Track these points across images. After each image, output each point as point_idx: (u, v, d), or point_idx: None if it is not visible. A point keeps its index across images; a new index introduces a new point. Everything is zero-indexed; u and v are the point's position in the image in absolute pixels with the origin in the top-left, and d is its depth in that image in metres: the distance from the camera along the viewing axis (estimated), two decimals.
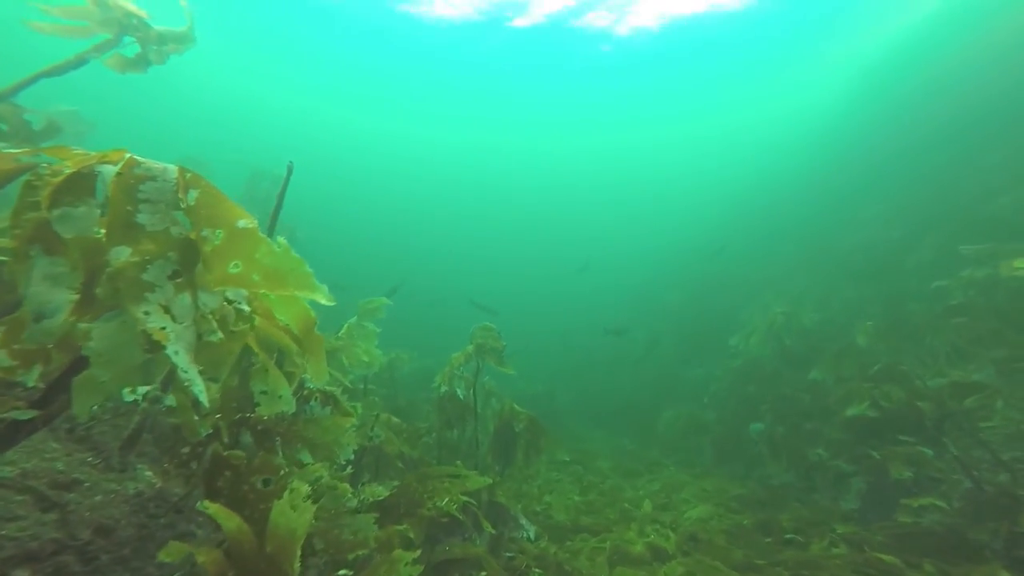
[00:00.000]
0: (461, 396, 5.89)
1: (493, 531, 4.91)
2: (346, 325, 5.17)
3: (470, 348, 6.08)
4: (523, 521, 5.61)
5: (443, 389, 5.92)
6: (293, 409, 2.10)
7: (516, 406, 6.37)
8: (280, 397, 2.01)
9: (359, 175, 56.02)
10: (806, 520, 5.93)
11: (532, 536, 5.39)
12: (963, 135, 13.36)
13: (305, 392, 2.75)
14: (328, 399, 2.75)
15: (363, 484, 3.63)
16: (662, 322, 20.45)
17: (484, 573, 3.73)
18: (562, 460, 10.75)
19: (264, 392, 2.00)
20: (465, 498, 3.66)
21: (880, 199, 14.64)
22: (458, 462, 5.69)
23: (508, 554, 4.50)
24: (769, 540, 5.42)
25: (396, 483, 3.70)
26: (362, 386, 5.95)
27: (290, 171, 2.76)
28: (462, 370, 6.09)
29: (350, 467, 3.74)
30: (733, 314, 15.01)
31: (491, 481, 5.21)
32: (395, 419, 5.04)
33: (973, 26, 15.97)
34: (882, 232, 13.27)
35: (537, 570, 4.25)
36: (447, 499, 3.16)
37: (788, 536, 5.41)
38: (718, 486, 8.20)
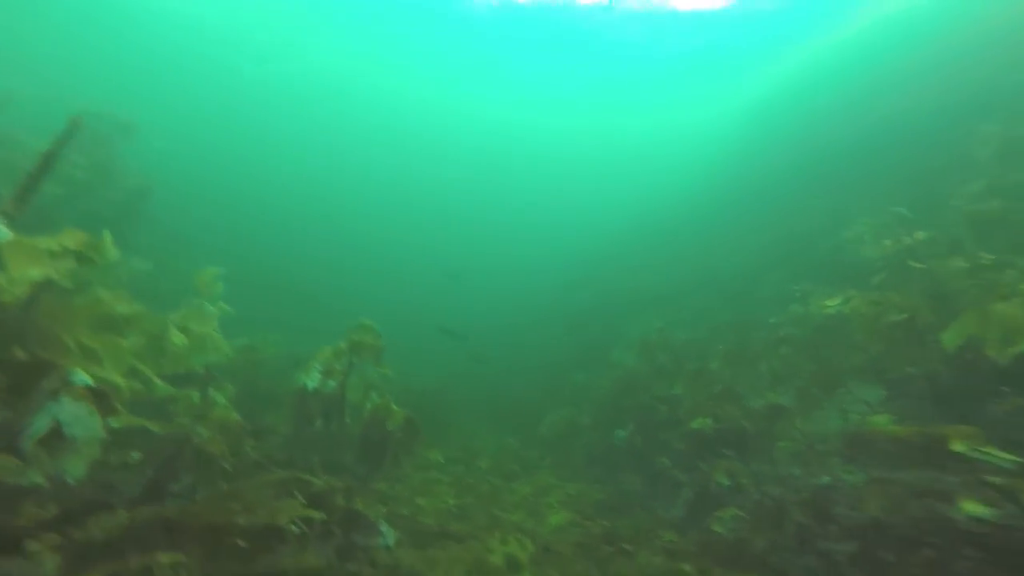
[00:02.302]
0: (326, 390, 5.60)
1: (342, 539, 4.86)
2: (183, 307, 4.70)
3: (342, 345, 5.80)
4: (383, 528, 5.51)
5: (307, 383, 5.61)
6: None
7: (393, 404, 6.08)
8: None
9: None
10: (641, 528, 6.44)
11: (391, 544, 5.38)
12: (802, 176, 15.73)
13: (59, 388, 2.41)
14: (92, 396, 2.47)
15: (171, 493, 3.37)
16: (559, 326, 21.47)
17: None
18: (443, 458, 10.91)
19: None
20: (309, 511, 3.57)
21: (750, 230, 16.67)
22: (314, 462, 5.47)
23: (352, 566, 4.47)
24: (611, 549, 5.76)
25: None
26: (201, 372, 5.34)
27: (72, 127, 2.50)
28: (334, 365, 5.82)
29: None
30: (623, 324, 16.22)
31: (343, 485, 5.12)
32: (233, 415, 4.60)
33: (827, 83, 18.80)
34: (747, 264, 15.16)
35: None
36: (266, 512, 3.01)
37: (623, 546, 5.81)
38: (582, 491, 8.63)
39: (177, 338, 4.22)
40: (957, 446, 3.41)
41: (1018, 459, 3.46)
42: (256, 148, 48.03)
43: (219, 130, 45.17)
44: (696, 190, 23.54)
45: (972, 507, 3.41)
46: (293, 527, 3.93)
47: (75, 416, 2.42)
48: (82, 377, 2.59)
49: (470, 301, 36.93)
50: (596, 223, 30.64)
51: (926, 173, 11.71)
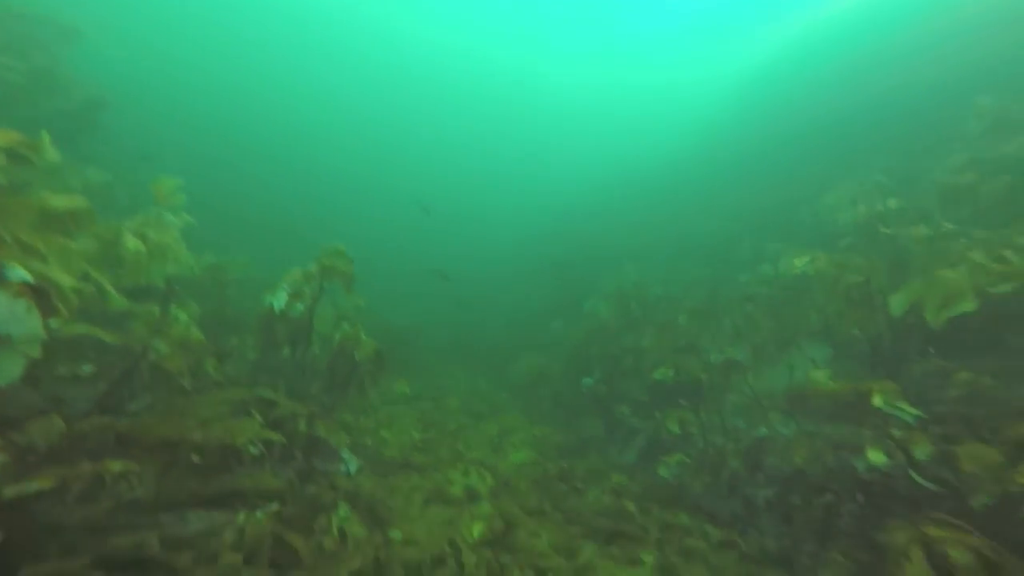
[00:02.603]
0: (293, 314, 5.50)
1: (302, 463, 5.04)
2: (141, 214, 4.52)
3: (312, 268, 5.62)
4: (345, 455, 5.71)
5: (274, 304, 5.46)
6: None
7: (363, 335, 6.08)
8: None
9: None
10: (595, 470, 6.80)
11: (352, 471, 5.59)
12: (796, 145, 15.69)
13: None
14: (31, 293, 2.29)
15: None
16: (539, 273, 21.63)
17: (276, 504, 3.86)
18: (412, 395, 11.22)
19: None
20: (268, 432, 3.65)
21: (734, 194, 16.69)
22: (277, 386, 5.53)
23: (312, 488, 4.67)
24: (564, 487, 6.11)
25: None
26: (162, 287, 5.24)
27: None
28: (302, 288, 5.68)
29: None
30: (601, 277, 16.40)
31: (307, 411, 5.22)
32: (194, 330, 4.52)
33: (828, 53, 18.31)
34: (726, 226, 15.28)
35: (343, 504, 4.47)
36: (223, 433, 3.07)
37: (577, 484, 6.17)
38: (545, 434, 8.99)
39: (132, 244, 4.07)
40: (876, 400, 3.64)
41: (921, 414, 3.74)
42: (229, 69, 45.00)
43: (188, 45, 41.97)
44: (685, 151, 23.29)
45: (874, 455, 3.71)
46: (252, 448, 4.03)
47: (11, 313, 2.26)
48: (19, 273, 2.41)
49: (452, 247, 36.73)
50: (583, 177, 30.20)
51: (916, 147, 11.69)
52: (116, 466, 2.57)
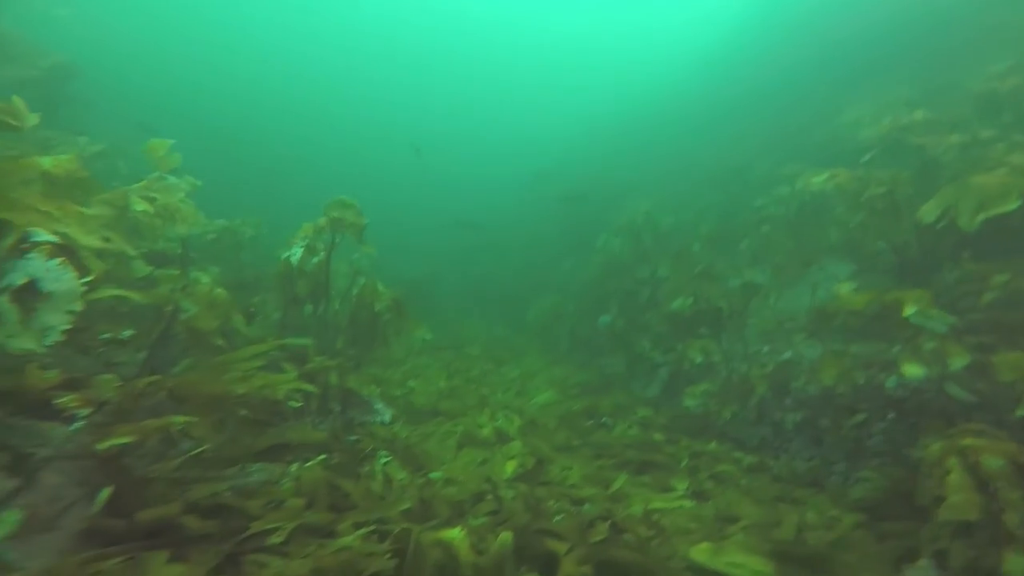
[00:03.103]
0: (309, 268, 5.45)
1: (339, 415, 5.20)
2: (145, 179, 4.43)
3: (322, 221, 5.52)
4: (378, 405, 5.89)
5: (290, 259, 5.45)
6: None
7: (380, 285, 6.10)
8: None
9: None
10: (620, 405, 6.91)
11: (387, 420, 5.79)
12: (810, 66, 14.76)
13: (26, 244, 2.34)
14: (61, 252, 2.37)
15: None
16: (546, 214, 21.30)
17: (323, 455, 4.04)
18: (435, 346, 11.43)
19: None
20: (303, 384, 3.71)
21: (744, 119, 15.98)
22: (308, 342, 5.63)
23: (354, 437, 4.86)
24: (590, 423, 6.25)
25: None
26: (180, 251, 5.26)
27: None
28: (315, 242, 5.64)
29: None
30: (610, 212, 16.12)
31: (336, 363, 5.33)
32: (219, 290, 4.48)
33: None
34: (738, 149, 14.72)
35: (384, 452, 4.65)
36: (263, 385, 3.14)
37: (603, 420, 6.30)
38: (566, 373, 9.20)
39: (140, 205, 4.01)
40: (907, 310, 3.56)
41: (954, 322, 3.67)
42: (200, 23, 42.39)
43: None
44: (689, 82, 22.00)
45: (910, 369, 3.69)
46: (292, 402, 4.12)
47: (47, 271, 2.33)
48: (44, 236, 2.46)
49: (455, 193, 36.04)
50: (583, 116, 28.83)
51: (944, 59, 10.84)
52: (180, 420, 2.65)
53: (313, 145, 39.52)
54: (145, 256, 4.26)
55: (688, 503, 4.02)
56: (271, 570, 2.25)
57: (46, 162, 3.35)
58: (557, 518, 3.56)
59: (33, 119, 3.56)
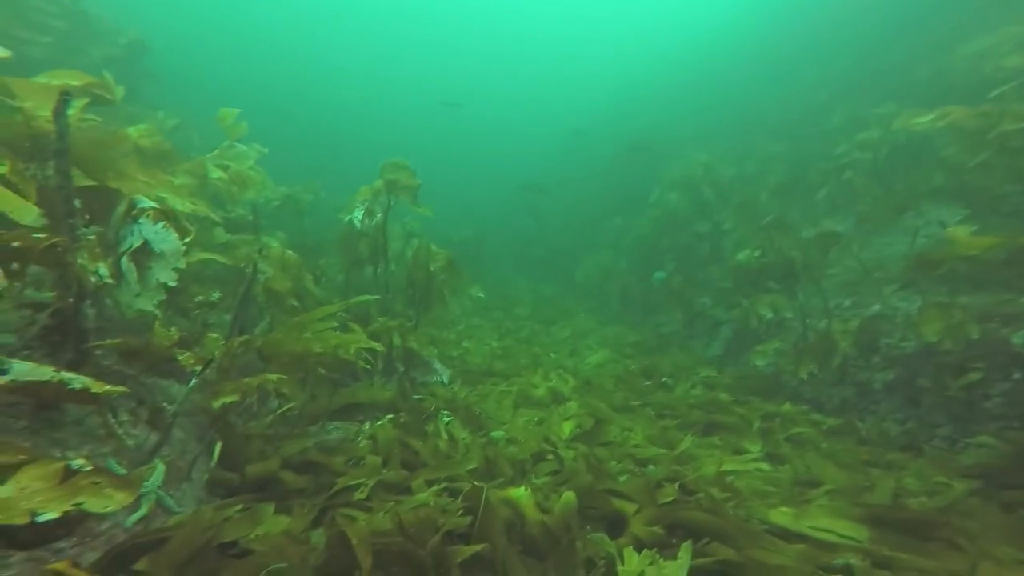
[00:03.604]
0: (367, 230, 5.50)
1: (403, 375, 5.28)
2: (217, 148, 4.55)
3: (378, 183, 5.50)
4: (437, 366, 5.98)
5: (353, 221, 5.51)
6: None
7: (433, 246, 6.02)
8: None
9: None
10: (680, 365, 6.63)
11: (445, 380, 5.83)
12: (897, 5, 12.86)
13: (135, 211, 2.52)
14: (164, 216, 2.59)
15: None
16: (590, 172, 20.53)
17: (391, 415, 4.12)
18: (484, 307, 11.45)
19: None
20: (372, 343, 3.75)
21: (814, 64, 14.39)
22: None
23: (417, 396, 4.93)
24: (649, 383, 6.02)
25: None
26: (251, 218, 5.36)
27: None
28: (372, 205, 5.64)
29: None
30: (658, 168, 15.27)
31: (398, 324, 5.38)
32: (290, 253, 4.59)
33: None
34: (808, 95, 13.32)
35: (445, 412, 4.69)
36: (336, 345, 3.19)
37: (663, 380, 6.05)
38: (618, 333, 8.93)
39: (216, 173, 4.15)
40: None
41: None
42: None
43: None
44: (748, 25, 19.89)
45: None
46: (363, 363, 4.16)
47: (155, 232, 2.54)
48: (147, 202, 2.67)
49: (495, 152, 35.40)
50: (631, 68, 27.01)
51: None
52: (272, 378, 2.73)
53: (360, 117, 39.77)
54: (223, 222, 4.36)
55: (764, 466, 3.78)
56: (360, 524, 2.27)
57: (135, 133, 3.51)
58: (622, 478, 3.45)
59: (120, 92, 3.71)
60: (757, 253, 6.95)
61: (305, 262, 5.10)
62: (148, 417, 2.62)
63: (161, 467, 2.28)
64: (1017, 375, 3.60)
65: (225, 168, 4.18)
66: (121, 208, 2.65)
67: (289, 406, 3.17)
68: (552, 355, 7.71)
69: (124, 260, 2.52)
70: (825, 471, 3.67)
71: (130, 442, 2.39)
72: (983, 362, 3.72)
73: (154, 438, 2.49)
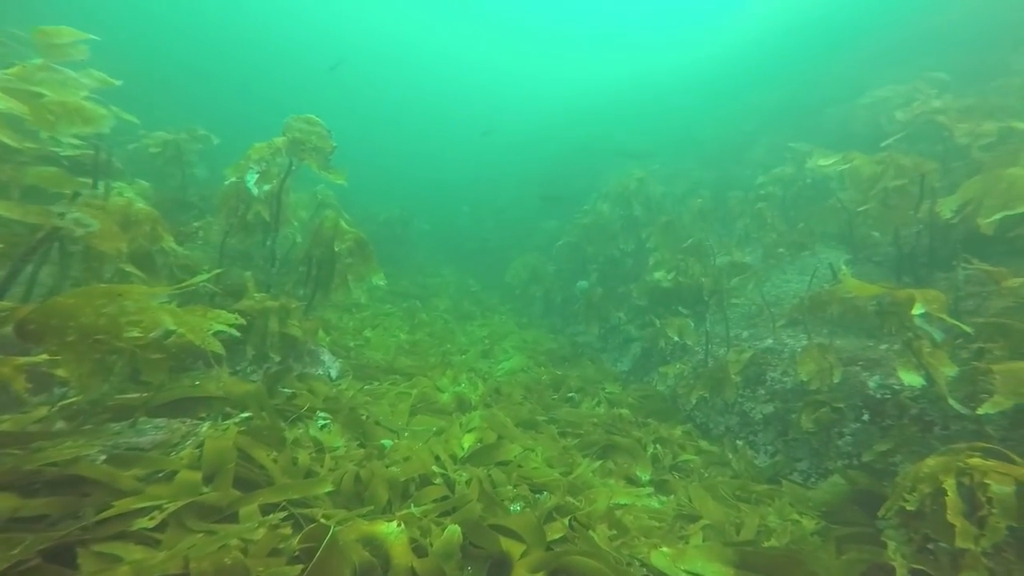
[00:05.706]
0: (256, 192, 4.70)
1: (278, 366, 4.61)
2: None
3: (279, 140, 4.75)
4: (325, 357, 5.28)
5: (245, 181, 4.67)
6: None
7: (344, 222, 5.40)
8: None
9: None
10: (589, 379, 6.58)
11: (333, 375, 5.25)
12: (822, 45, 14.06)
13: None
14: None
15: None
16: (534, 170, 20.42)
17: (246, 413, 3.32)
18: (399, 293, 10.83)
19: None
20: (222, 326, 3.14)
21: (746, 94, 15.32)
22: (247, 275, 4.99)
23: (289, 392, 4.35)
24: (556, 396, 5.90)
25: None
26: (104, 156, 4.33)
27: None
28: (269, 164, 4.83)
29: None
30: (597, 177, 15.43)
31: (279, 304, 4.74)
32: (140, 206, 3.81)
33: None
34: (737, 125, 14.08)
35: (323, 414, 4.17)
36: (147, 322, 2.50)
37: (570, 394, 5.96)
38: (536, 338, 8.82)
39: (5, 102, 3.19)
40: (917, 309, 3.20)
41: (966, 329, 3.37)
42: None
43: None
44: (696, 56, 21.02)
45: (908, 376, 3.39)
46: (215, 348, 3.54)
47: None
48: None
49: (442, 149, 34.49)
50: (582, 80, 27.49)
51: (981, 42, 10.16)
52: (40, 359, 2.10)
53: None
54: (42, 158, 3.50)
55: (653, 502, 3.77)
56: (117, 565, 1.74)
57: None
58: (515, 507, 3.21)
59: None
60: (672, 274, 7.07)
61: (176, 219, 4.33)
62: None
63: None
64: (866, 416, 3.84)
65: (36, 96, 3.32)
66: None
67: (73, 400, 2.52)
68: (464, 355, 7.35)
69: None
70: (704, 504, 3.71)
71: None
72: (843, 402, 3.96)
73: None
